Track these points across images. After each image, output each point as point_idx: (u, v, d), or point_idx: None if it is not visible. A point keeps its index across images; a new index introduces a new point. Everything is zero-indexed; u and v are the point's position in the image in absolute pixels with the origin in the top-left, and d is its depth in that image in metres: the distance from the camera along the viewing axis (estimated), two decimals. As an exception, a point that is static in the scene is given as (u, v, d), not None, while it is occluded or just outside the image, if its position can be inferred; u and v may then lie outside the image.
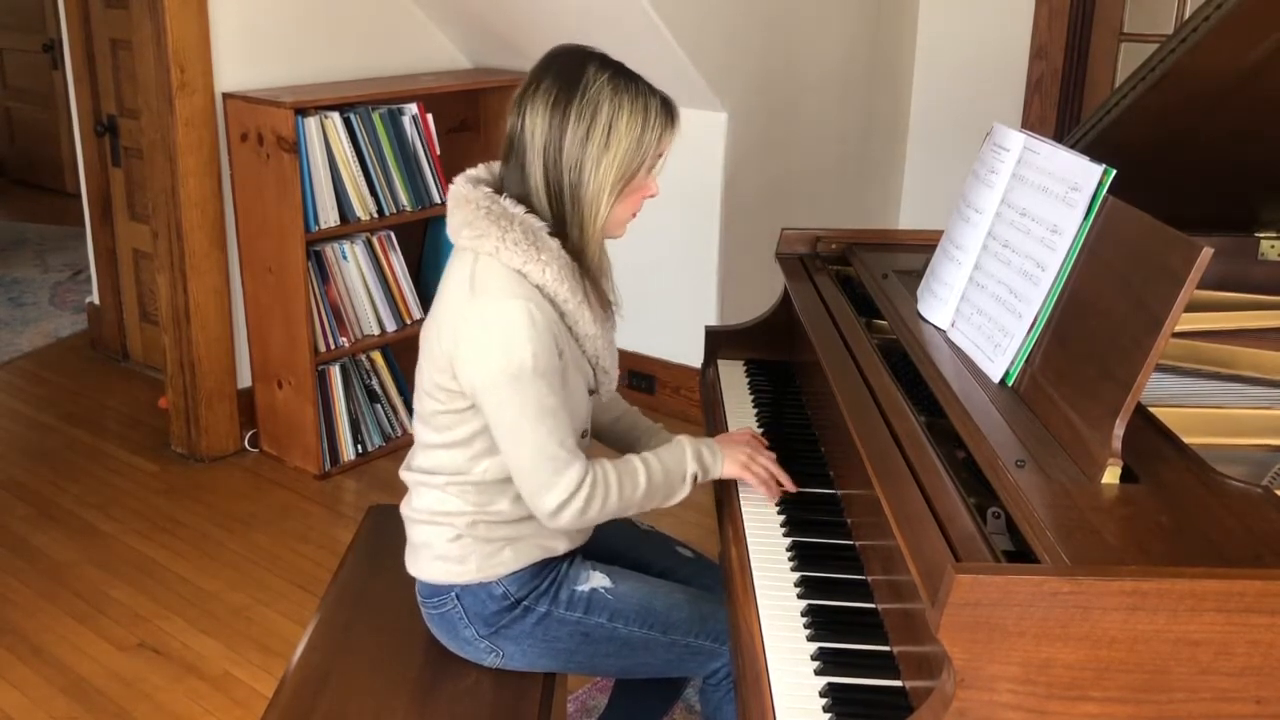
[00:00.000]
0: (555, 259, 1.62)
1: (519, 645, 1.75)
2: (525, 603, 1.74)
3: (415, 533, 1.79)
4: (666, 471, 1.72)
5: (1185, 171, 1.88)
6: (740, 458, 1.77)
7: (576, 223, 1.64)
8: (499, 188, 1.69)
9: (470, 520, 1.72)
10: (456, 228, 1.66)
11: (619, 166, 1.62)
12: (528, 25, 3.62)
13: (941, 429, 1.52)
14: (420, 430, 1.76)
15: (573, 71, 1.62)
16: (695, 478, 1.74)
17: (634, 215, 1.72)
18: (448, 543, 1.73)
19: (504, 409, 1.61)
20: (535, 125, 1.62)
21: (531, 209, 1.64)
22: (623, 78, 1.64)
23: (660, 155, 1.68)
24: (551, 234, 1.63)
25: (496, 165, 1.73)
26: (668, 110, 1.67)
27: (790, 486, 1.78)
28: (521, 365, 1.58)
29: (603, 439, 1.98)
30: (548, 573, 1.76)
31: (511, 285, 1.60)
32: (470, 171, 1.73)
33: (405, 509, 1.81)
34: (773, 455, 1.81)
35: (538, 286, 1.61)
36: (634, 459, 1.72)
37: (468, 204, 1.64)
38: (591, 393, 1.77)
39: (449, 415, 1.69)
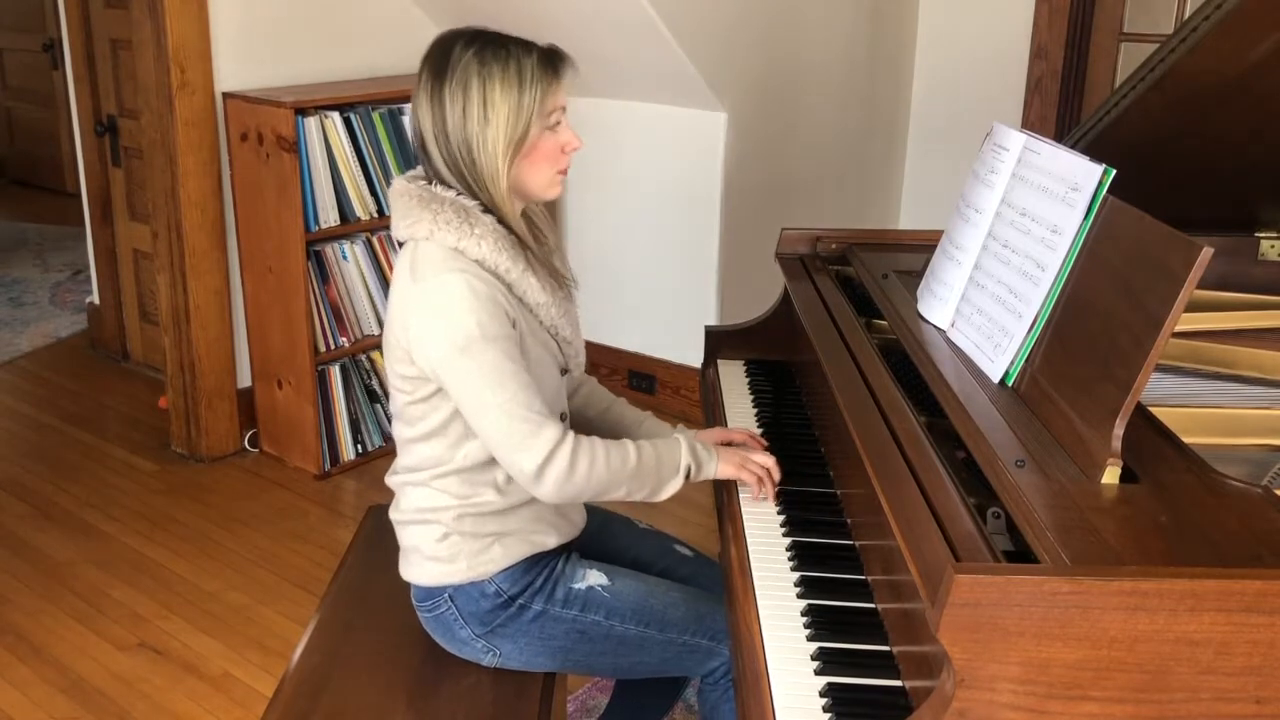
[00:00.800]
0: (490, 232, 1.65)
1: (515, 644, 1.75)
2: (520, 600, 1.74)
3: (404, 536, 1.80)
4: (659, 457, 1.71)
5: (1185, 171, 1.88)
6: (735, 457, 1.78)
7: (487, 196, 1.67)
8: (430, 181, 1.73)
9: (457, 514, 1.72)
10: (395, 223, 1.70)
11: (505, 133, 1.63)
12: (528, 25, 3.62)
13: (941, 429, 1.52)
14: (398, 429, 1.77)
15: (441, 57, 1.65)
16: (689, 471, 1.73)
17: (561, 172, 1.73)
18: (436, 543, 1.74)
19: (464, 381, 1.61)
20: (423, 118, 1.67)
21: (461, 191, 1.68)
22: (490, 47, 1.64)
23: (555, 109, 1.68)
24: (485, 211, 1.67)
25: None
26: (546, 63, 1.66)
27: (776, 476, 1.78)
28: (469, 334, 1.59)
29: (595, 432, 1.97)
30: (541, 569, 1.76)
31: (449, 261, 1.62)
32: (409, 172, 1.77)
33: (393, 513, 1.82)
34: (769, 455, 1.82)
35: (477, 261, 1.64)
36: (626, 441, 1.72)
37: (403, 197, 1.70)
38: (564, 372, 1.79)
39: (419, 405, 1.70)
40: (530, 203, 1.77)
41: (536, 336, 1.70)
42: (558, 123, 1.69)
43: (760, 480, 1.77)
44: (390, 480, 1.82)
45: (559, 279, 1.76)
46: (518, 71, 1.63)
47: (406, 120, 3.50)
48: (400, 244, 1.72)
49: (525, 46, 1.66)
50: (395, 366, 1.70)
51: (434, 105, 1.64)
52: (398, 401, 1.73)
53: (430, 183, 1.70)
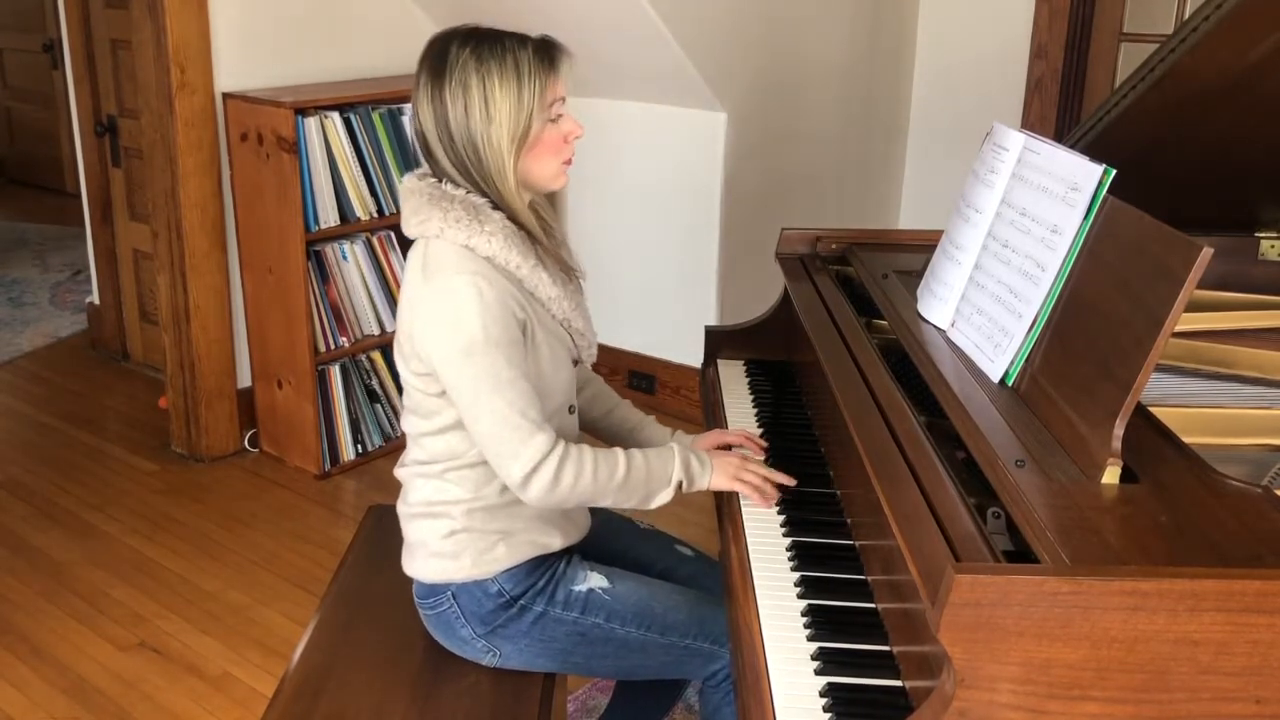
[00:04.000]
0: (500, 229, 1.65)
1: (515, 645, 1.75)
2: (522, 601, 1.74)
3: (411, 530, 1.80)
4: (649, 469, 1.71)
5: (1185, 171, 1.88)
6: (730, 469, 1.76)
7: (495, 191, 1.68)
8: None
9: (466, 509, 1.72)
10: (406, 219, 1.72)
11: (508, 129, 1.64)
12: (527, 25, 3.62)
13: (941, 429, 1.52)
14: (411, 422, 1.77)
15: (438, 57, 1.66)
16: (680, 485, 1.74)
17: (567, 161, 1.74)
18: (442, 539, 1.74)
19: (461, 383, 1.62)
20: (424, 119, 1.68)
21: (469, 189, 1.69)
22: (486, 44, 1.65)
23: (555, 100, 1.68)
24: (494, 207, 1.68)
25: None
26: (542, 56, 1.67)
27: (789, 481, 1.78)
28: (471, 338, 1.60)
29: (598, 434, 1.98)
30: (544, 571, 1.76)
31: (460, 261, 1.63)
32: (419, 169, 1.78)
33: (401, 506, 1.82)
34: (762, 461, 1.81)
35: (487, 259, 1.65)
36: (618, 450, 1.72)
37: (414, 195, 1.71)
38: (576, 363, 1.80)
39: (435, 399, 1.70)
40: (535, 195, 1.77)
41: (549, 330, 1.72)
42: (559, 114, 1.70)
43: (758, 489, 1.75)
44: (400, 472, 1.82)
45: (568, 271, 1.77)
46: (515, 66, 1.64)
47: (407, 121, 3.50)
48: (411, 241, 1.73)
49: (520, 40, 1.67)
50: (409, 363, 1.71)
51: (435, 106, 1.65)
52: (413, 396, 1.74)
53: (440, 181, 1.71)
